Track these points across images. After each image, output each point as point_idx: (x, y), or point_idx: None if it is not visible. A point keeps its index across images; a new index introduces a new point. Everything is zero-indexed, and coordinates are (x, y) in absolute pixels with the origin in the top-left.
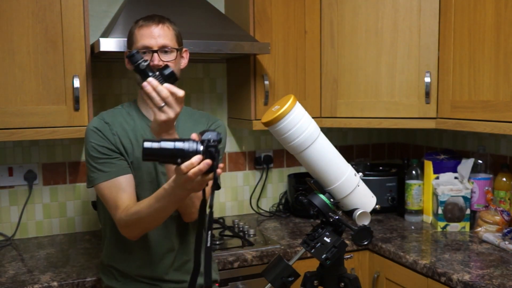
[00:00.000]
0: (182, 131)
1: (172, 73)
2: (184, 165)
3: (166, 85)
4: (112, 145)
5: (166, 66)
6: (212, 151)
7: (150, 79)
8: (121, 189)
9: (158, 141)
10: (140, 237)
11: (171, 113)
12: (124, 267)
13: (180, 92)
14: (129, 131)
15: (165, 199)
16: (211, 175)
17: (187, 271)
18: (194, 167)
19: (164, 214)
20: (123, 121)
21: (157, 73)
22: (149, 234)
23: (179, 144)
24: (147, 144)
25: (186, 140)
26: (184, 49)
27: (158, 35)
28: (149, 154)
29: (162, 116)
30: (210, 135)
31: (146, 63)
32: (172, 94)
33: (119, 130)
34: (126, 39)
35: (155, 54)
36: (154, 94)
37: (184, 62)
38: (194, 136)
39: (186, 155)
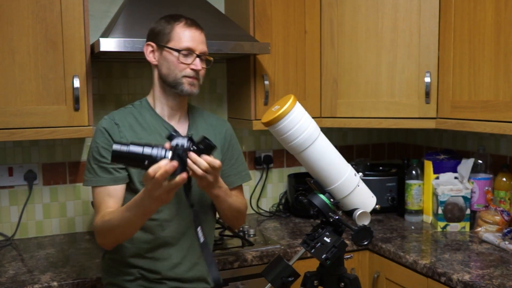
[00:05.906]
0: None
1: (208, 145)
2: (151, 168)
3: (204, 156)
4: None
5: (205, 139)
6: (179, 153)
7: (191, 153)
8: (108, 195)
9: (127, 145)
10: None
11: (210, 178)
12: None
13: (217, 163)
14: (140, 132)
15: (133, 209)
16: (178, 179)
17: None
18: (161, 169)
19: (133, 227)
20: (133, 122)
21: (195, 147)
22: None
23: (147, 150)
24: (116, 147)
25: (155, 146)
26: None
27: (201, 41)
28: (117, 157)
29: (203, 183)
30: (178, 141)
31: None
32: (210, 165)
33: (128, 132)
34: (126, 39)
35: (198, 59)
36: (194, 167)
37: None
38: (167, 145)
39: (154, 160)
